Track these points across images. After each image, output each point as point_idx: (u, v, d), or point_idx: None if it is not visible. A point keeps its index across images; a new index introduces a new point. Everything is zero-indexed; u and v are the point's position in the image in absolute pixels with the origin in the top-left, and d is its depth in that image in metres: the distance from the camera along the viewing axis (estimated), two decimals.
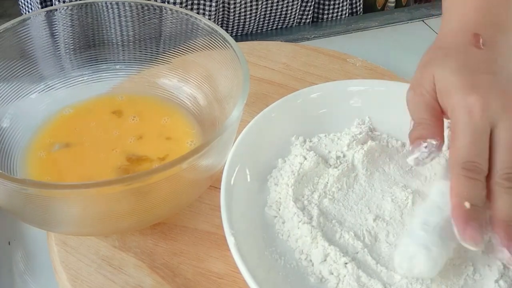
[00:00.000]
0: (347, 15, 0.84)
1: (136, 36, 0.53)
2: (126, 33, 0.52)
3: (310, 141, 0.50)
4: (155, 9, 0.51)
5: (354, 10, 0.85)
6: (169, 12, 0.51)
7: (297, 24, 0.81)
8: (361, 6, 0.86)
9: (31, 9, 0.78)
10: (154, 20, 0.52)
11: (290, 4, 0.77)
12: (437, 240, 0.39)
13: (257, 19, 0.77)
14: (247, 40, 0.74)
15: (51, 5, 0.75)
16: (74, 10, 0.50)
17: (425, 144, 0.41)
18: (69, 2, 0.51)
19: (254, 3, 0.75)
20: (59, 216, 0.39)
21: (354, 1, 0.84)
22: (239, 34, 0.79)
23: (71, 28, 0.51)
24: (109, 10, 0.51)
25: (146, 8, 0.51)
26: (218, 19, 0.75)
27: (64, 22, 0.50)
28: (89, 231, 0.43)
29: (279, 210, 0.45)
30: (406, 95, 0.45)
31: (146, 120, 0.50)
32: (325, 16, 0.82)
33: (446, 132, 0.44)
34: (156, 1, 0.63)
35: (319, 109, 0.53)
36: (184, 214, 0.47)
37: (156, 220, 0.44)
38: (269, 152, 0.49)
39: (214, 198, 0.46)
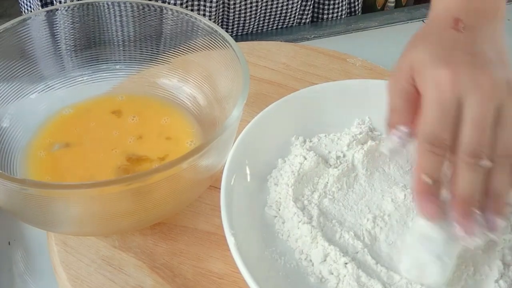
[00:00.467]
0: (345, 15, 0.84)
1: (136, 36, 0.53)
2: (127, 33, 0.52)
3: (310, 141, 0.50)
4: (155, 9, 0.51)
5: (353, 10, 0.85)
6: (169, 12, 0.51)
7: (296, 24, 0.81)
8: (360, 6, 0.86)
9: (31, 9, 0.78)
10: (154, 20, 0.52)
11: (290, 4, 0.77)
12: (448, 249, 0.39)
13: (257, 19, 0.78)
14: (247, 40, 0.74)
15: (51, 4, 0.75)
16: (75, 10, 0.50)
17: (396, 132, 0.41)
18: (70, 2, 0.51)
19: (254, 3, 0.75)
20: (59, 216, 0.39)
21: (352, 1, 0.84)
22: (239, 34, 0.79)
23: (71, 28, 0.51)
24: (109, 10, 0.51)
25: (146, 8, 0.51)
26: (218, 19, 0.75)
27: (65, 22, 0.50)
28: (89, 231, 0.43)
29: (279, 210, 0.45)
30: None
31: (146, 120, 0.50)
32: (325, 16, 0.82)
33: None
34: (157, 1, 0.63)
35: (319, 109, 0.53)
36: (184, 214, 0.47)
37: (156, 220, 0.44)
38: (269, 152, 0.49)
39: (214, 198, 0.46)
